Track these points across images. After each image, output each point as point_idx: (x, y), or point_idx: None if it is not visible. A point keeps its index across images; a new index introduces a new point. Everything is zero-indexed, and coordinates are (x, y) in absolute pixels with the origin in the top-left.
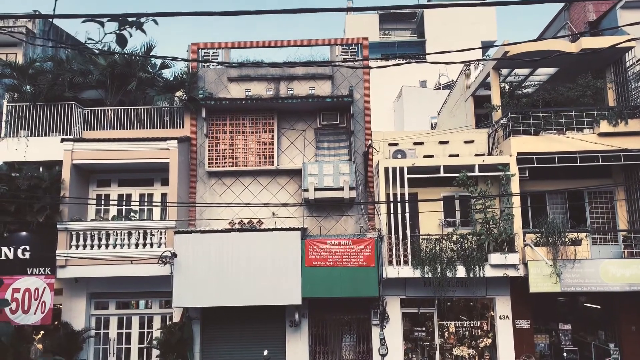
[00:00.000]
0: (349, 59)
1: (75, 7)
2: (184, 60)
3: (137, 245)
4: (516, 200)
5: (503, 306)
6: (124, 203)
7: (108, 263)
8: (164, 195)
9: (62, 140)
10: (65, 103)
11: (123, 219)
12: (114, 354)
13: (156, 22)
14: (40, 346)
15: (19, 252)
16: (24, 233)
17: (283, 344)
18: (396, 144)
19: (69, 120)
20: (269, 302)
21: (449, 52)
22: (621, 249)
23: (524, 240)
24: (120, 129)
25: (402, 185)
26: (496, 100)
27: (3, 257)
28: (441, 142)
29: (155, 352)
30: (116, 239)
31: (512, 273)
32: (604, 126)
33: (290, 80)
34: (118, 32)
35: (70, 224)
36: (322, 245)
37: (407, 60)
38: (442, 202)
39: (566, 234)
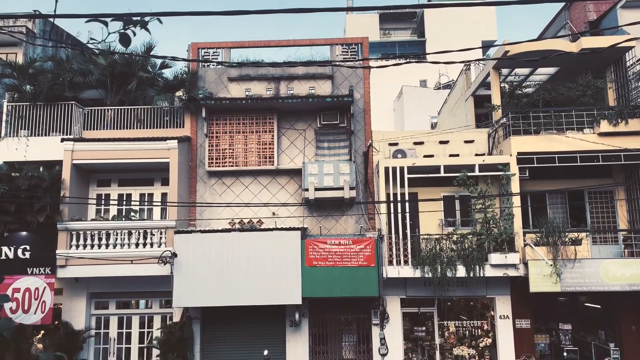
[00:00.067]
0: (349, 59)
1: (76, 7)
2: (184, 60)
3: (137, 245)
4: (516, 200)
5: (503, 306)
6: (124, 203)
7: (108, 263)
8: (164, 195)
9: (62, 140)
10: (65, 103)
11: (123, 219)
12: (114, 353)
13: (160, 22)
14: (40, 346)
15: (19, 251)
16: (24, 233)
17: (283, 344)
18: (396, 144)
19: (69, 120)
20: (269, 302)
21: (449, 51)
22: (621, 249)
23: (524, 240)
24: (120, 128)
25: (402, 185)
26: (496, 100)
27: (3, 257)
28: (441, 142)
29: (156, 351)
30: (116, 238)
31: (512, 273)
32: (604, 126)
33: (290, 80)
34: (122, 31)
35: (71, 224)
36: (322, 245)
37: (407, 60)
38: (442, 201)
39: (566, 233)
